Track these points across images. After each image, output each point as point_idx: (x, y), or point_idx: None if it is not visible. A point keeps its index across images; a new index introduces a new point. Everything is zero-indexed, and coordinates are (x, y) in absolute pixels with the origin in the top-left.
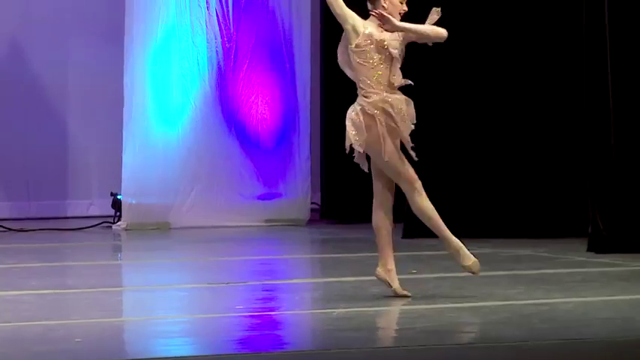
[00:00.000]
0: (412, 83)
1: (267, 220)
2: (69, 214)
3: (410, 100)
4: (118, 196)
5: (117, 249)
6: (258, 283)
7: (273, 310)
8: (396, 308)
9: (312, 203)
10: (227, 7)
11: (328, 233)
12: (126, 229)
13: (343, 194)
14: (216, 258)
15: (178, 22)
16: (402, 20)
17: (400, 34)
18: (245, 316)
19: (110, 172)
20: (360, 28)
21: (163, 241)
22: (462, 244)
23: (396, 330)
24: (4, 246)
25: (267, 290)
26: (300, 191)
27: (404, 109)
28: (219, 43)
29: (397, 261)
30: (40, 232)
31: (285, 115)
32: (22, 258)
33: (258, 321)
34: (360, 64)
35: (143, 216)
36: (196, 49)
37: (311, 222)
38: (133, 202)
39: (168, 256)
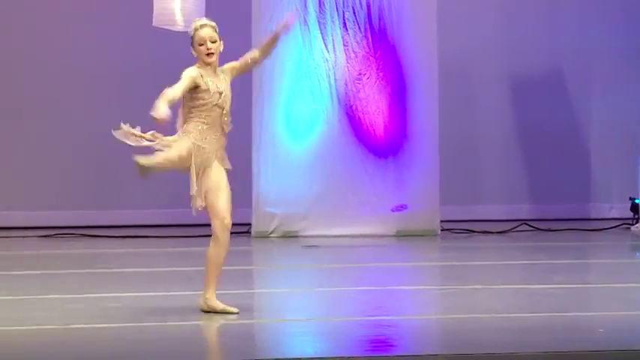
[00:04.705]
0: None
1: None
2: (592, 216)
3: None
4: (636, 200)
5: (635, 249)
6: None
7: None
8: None
9: None
10: None
11: None
12: None
13: None
14: None
15: None
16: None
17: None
18: None
19: (628, 178)
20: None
21: None
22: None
23: None
24: (533, 244)
25: None
26: None
27: None
28: None
29: None
30: (565, 231)
31: None
32: (550, 255)
33: None
34: None
35: None
36: None
37: None
38: None
39: None
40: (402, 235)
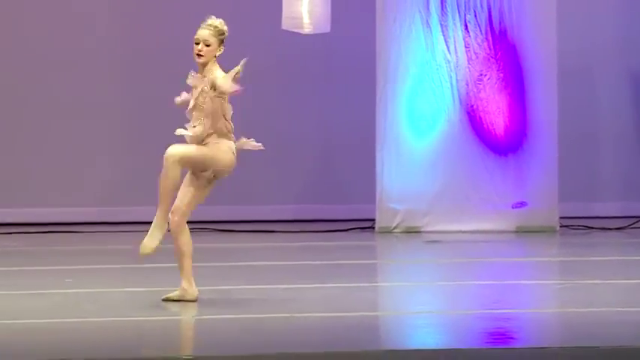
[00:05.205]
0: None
1: None
2: None
3: None
4: None
5: None
6: None
7: None
8: None
9: None
10: None
11: None
12: None
13: None
14: None
15: None
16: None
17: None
18: None
19: None
20: None
21: None
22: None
23: None
24: None
25: None
26: None
27: None
28: None
29: None
30: None
31: None
32: None
33: None
34: None
35: None
36: None
37: None
38: None
39: None
40: (521, 232)
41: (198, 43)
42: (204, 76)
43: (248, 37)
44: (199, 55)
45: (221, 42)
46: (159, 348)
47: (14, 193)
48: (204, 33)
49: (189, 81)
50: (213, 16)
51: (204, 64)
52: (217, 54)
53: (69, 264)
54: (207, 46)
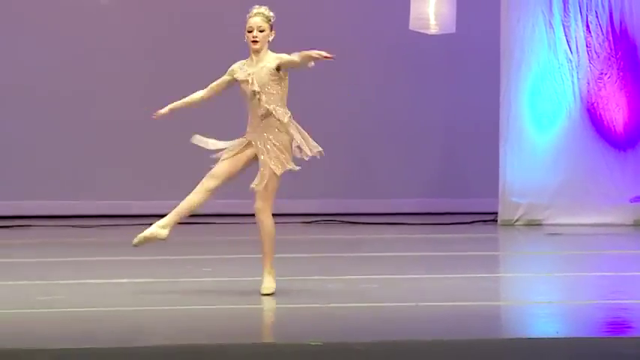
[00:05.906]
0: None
1: None
2: None
3: None
4: None
5: None
6: None
7: None
8: None
9: None
10: None
11: None
12: None
13: None
14: None
15: None
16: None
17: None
18: None
19: None
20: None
21: None
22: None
23: None
24: None
25: None
26: None
27: None
28: None
29: None
30: None
31: None
32: None
33: None
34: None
35: None
36: None
37: None
38: None
39: None
40: (639, 225)
41: (251, 31)
42: (263, 66)
43: (376, 36)
44: (255, 42)
45: (271, 27)
46: (287, 335)
47: (156, 186)
48: (256, 20)
49: (239, 75)
50: (256, 5)
51: (259, 51)
52: (270, 39)
53: (209, 254)
54: (261, 32)
